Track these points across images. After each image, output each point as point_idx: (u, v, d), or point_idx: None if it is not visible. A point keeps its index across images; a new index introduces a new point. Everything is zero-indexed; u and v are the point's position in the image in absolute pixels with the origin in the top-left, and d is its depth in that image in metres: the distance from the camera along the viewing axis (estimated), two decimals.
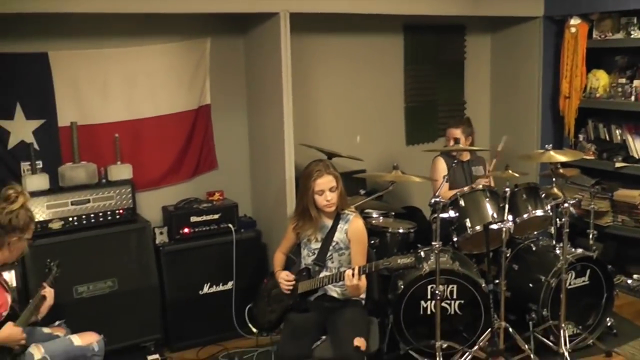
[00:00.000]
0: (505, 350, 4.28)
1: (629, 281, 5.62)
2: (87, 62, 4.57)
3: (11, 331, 3.20)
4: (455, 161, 4.58)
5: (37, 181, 4.28)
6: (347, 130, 5.72)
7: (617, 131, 5.74)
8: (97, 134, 4.66)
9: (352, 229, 3.86)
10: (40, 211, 4.19)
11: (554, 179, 4.56)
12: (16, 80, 4.36)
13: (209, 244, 4.78)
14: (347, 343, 3.51)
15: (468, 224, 4.44)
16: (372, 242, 4.49)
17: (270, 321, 4.01)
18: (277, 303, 3.96)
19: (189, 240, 4.74)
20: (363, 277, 3.64)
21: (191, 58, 4.98)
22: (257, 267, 4.89)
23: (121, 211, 4.50)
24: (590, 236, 4.98)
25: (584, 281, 4.59)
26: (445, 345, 4.17)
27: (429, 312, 4.31)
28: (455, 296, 4.33)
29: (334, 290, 3.88)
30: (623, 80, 5.61)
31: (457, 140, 4.96)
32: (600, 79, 5.76)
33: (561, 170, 4.51)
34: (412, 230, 4.72)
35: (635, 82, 5.49)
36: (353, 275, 3.58)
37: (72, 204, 4.33)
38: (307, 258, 3.94)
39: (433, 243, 4.01)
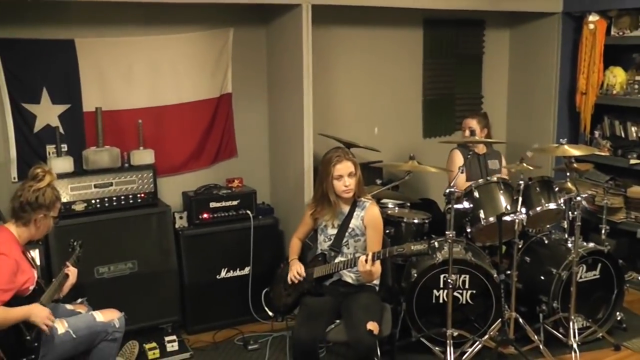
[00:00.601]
0: (515, 340, 4.32)
1: None
2: (112, 49, 4.64)
3: (40, 310, 3.23)
4: (471, 152, 4.59)
5: (62, 164, 4.35)
6: (365, 122, 5.76)
7: (633, 128, 5.76)
8: (121, 120, 4.73)
9: (368, 216, 3.92)
10: (64, 193, 4.23)
11: (567, 174, 4.58)
12: (43, 65, 4.44)
13: (228, 229, 4.84)
14: (360, 326, 3.57)
15: (482, 215, 4.48)
16: (387, 231, 4.55)
17: (287, 304, 4.07)
18: (293, 287, 4.02)
19: (208, 226, 4.80)
20: (377, 263, 3.70)
21: (214, 47, 5.04)
22: (274, 254, 4.94)
23: (143, 195, 4.56)
24: (603, 231, 5.01)
25: (594, 275, 4.61)
26: (456, 334, 4.24)
27: (441, 300, 4.38)
28: (467, 286, 4.39)
29: (348, 276, 3.95)
30: None
31: (472, 131, 5.02)
32: (617, 76, 5.78)
33: (575, 165, 4.55)
34: (426, 221, 4.76)
35: None
36: (367, 261, 3.65)
37: (95, 186, 4.40)
38: (324, 244, 4.01)
39: (447, 232, 4.06)
